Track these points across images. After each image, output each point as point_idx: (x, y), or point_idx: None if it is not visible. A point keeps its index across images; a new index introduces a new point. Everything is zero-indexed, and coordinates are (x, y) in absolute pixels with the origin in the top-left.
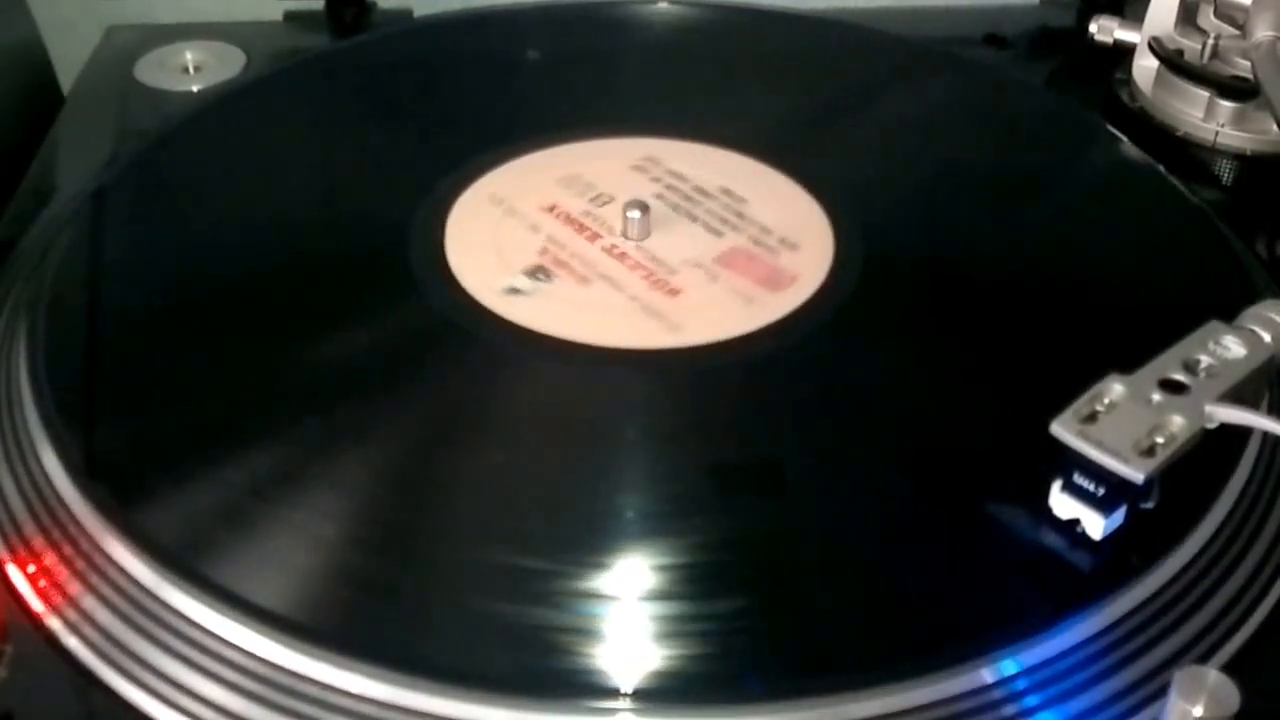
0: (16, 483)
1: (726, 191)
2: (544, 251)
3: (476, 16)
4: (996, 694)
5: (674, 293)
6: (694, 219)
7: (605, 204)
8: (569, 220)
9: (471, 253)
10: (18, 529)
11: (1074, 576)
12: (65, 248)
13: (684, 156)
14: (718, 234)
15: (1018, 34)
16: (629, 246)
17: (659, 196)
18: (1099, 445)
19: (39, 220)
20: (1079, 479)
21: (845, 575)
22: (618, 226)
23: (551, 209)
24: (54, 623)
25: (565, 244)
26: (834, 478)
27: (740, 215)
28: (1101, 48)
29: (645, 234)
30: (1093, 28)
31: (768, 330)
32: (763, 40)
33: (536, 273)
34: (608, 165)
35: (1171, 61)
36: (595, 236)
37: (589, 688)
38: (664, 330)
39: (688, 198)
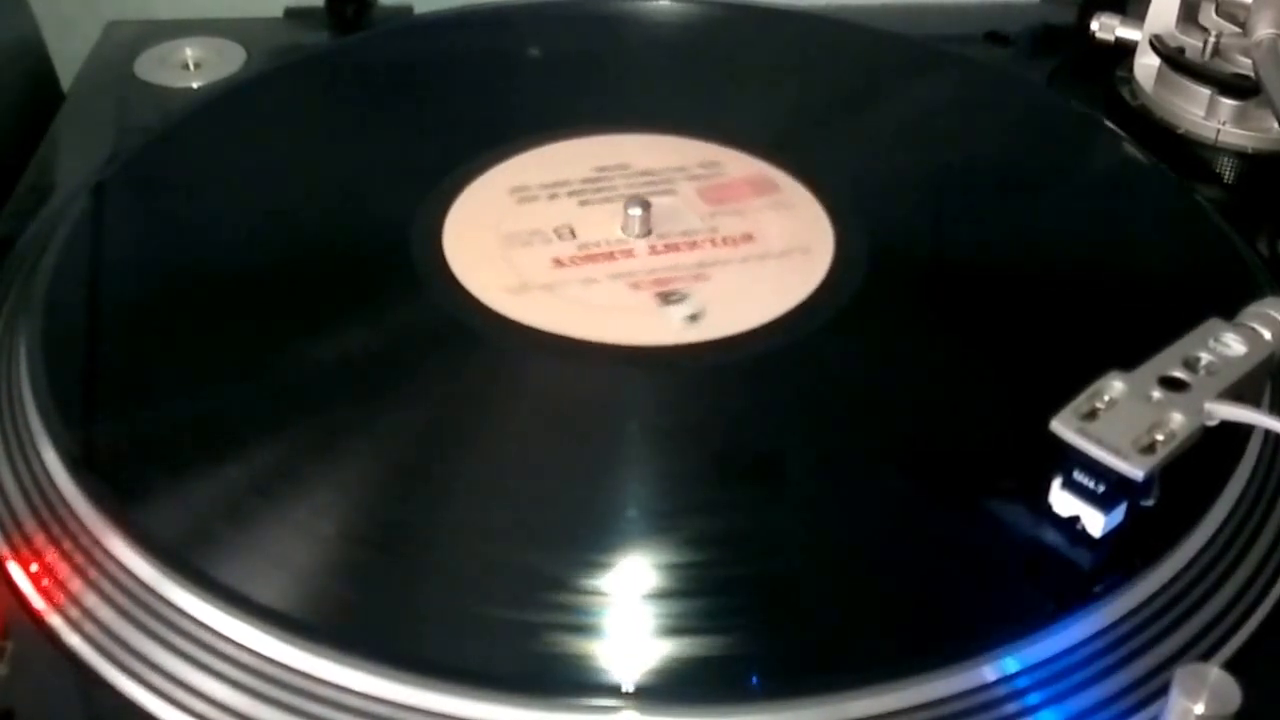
0: (17, 479)
1: (603, 169)
2: (637, 286)
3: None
4: (998, 692)
5: (749, 237)
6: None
7: (575, 234)
8: (586, 259)
9: (589, 320)
10: (18, 526)
11: (1074, 574)
12: (64, 244)
13: (542, 162)
14: (672, 193)
15: (1019, 31)
16: (658, 240)
17: (585, 202)
18: (1099, 442)
19: (39, 217)
20: (1079, 476)
21: (846, 573)
22: (621, 231)
23: (558, 264)
24: (55, 620)
25: (634, 269)
26: (834, 475)
27: (650, 171)
28: (1103, 45)
29: (648, 229)
30: (1094, 25)
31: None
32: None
33: (670, 298)
34: (499, 203)
35: (1173, 59)
36: (628, 253)
37: (589, 685)
38: (811, 259)
39: (597, 187)
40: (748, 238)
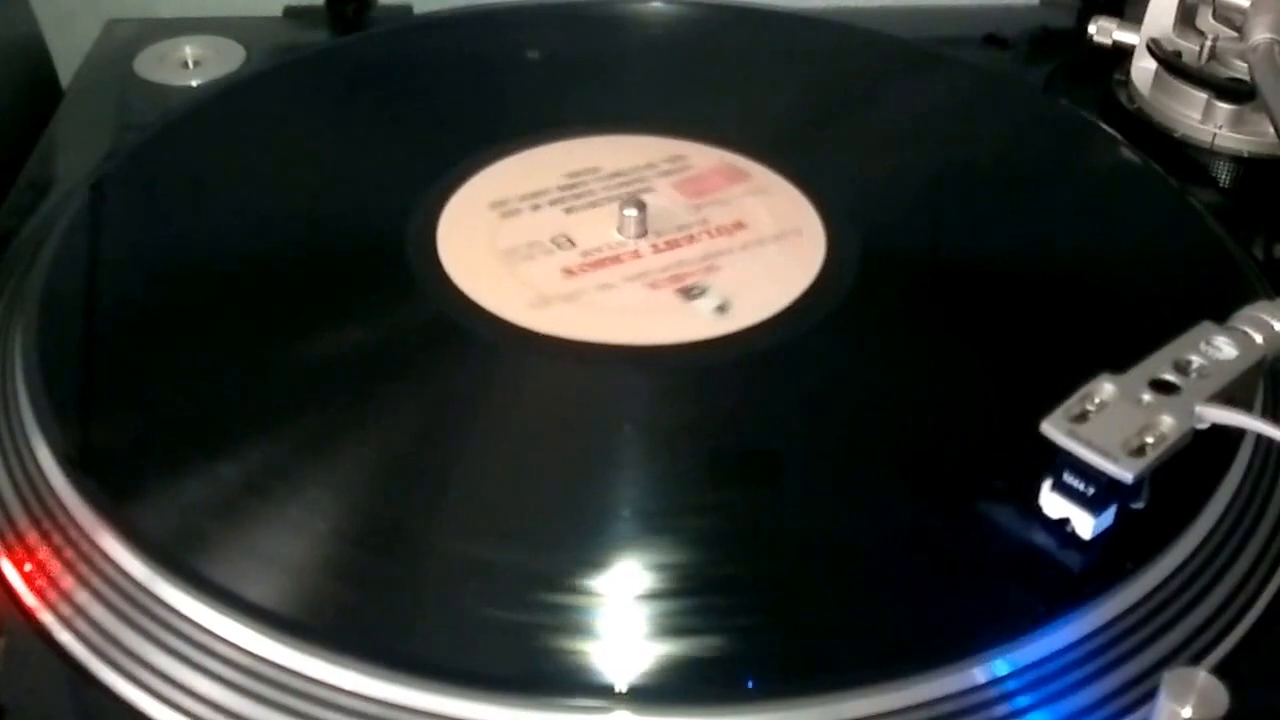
0: (11, 477)
1: (576, 174)
2: (655, 285)
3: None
4: (988, 694)
5: (741, 225)
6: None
7: (574, 242)
8: (595, 265)
9: (603, 323)
10: (12, 524)
11: (1064, 576)
12: (61, 242)
13: (521, 168)
14: (650, 190)
15: (1017, 34)
16: (656, 238)
17: (570, 209)
18: (1089, 444)
19: (36, 214)
20: (1069, 478)
21: (838, 575)
22: (618, 233)
23: (568, 273)
24: (47, 617)
25: (645, 269)
26: (827, 477)
27: (618, 173)
28: (1100, 49)
29: (644, 229)
30: (1092, 29)
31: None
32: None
33: (692, 292)
34: (486, 214)
35: (1170, 63)
36: (634, 254)
37: (585, 686)
38: (805, 240)
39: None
40: (740, 225)
